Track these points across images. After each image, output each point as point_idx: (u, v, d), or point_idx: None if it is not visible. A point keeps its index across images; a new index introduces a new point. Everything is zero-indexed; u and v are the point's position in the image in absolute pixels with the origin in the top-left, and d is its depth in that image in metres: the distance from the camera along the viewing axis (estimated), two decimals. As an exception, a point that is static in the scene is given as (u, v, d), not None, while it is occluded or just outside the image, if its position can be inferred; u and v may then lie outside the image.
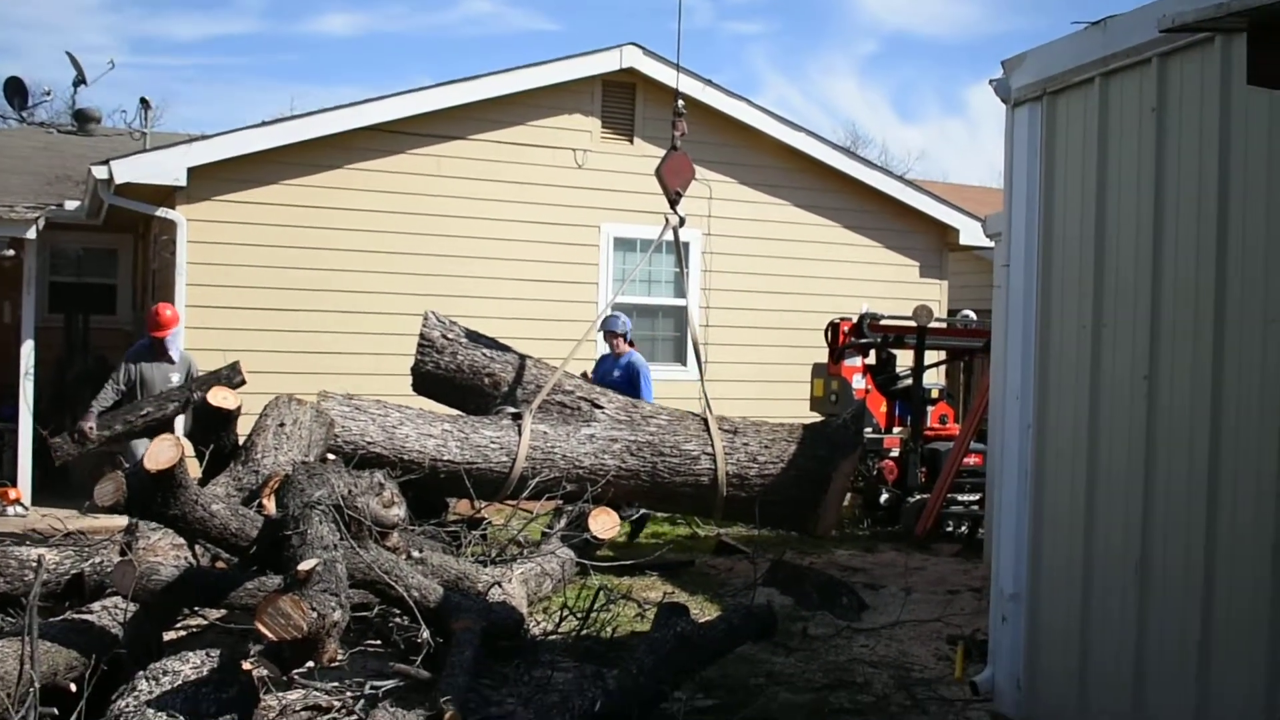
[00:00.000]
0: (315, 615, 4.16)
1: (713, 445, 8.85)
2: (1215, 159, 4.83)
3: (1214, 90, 4.83)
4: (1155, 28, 4.97)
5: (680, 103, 9.15)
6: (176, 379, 9.19)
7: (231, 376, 7.58)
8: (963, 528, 11.33)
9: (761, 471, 8.85)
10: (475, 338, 9.12)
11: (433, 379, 9.07)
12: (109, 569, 5.54)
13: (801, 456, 8.93)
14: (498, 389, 8.93)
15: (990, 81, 6.14)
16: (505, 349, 9.18)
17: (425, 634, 5.22)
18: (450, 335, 9.03)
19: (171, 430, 8.26)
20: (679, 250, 9.70)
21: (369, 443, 8.09)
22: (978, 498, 11.21)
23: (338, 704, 4.83)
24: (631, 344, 10.89)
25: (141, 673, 4.59)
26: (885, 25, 76.88)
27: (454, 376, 9.00)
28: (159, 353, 9.33)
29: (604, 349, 11.21)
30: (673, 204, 8.96)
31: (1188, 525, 4.88)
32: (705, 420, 9.06)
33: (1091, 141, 5.52)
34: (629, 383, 10.35)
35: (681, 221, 9.08)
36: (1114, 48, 5.34)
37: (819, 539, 9.78)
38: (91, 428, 7.97)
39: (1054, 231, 5.79)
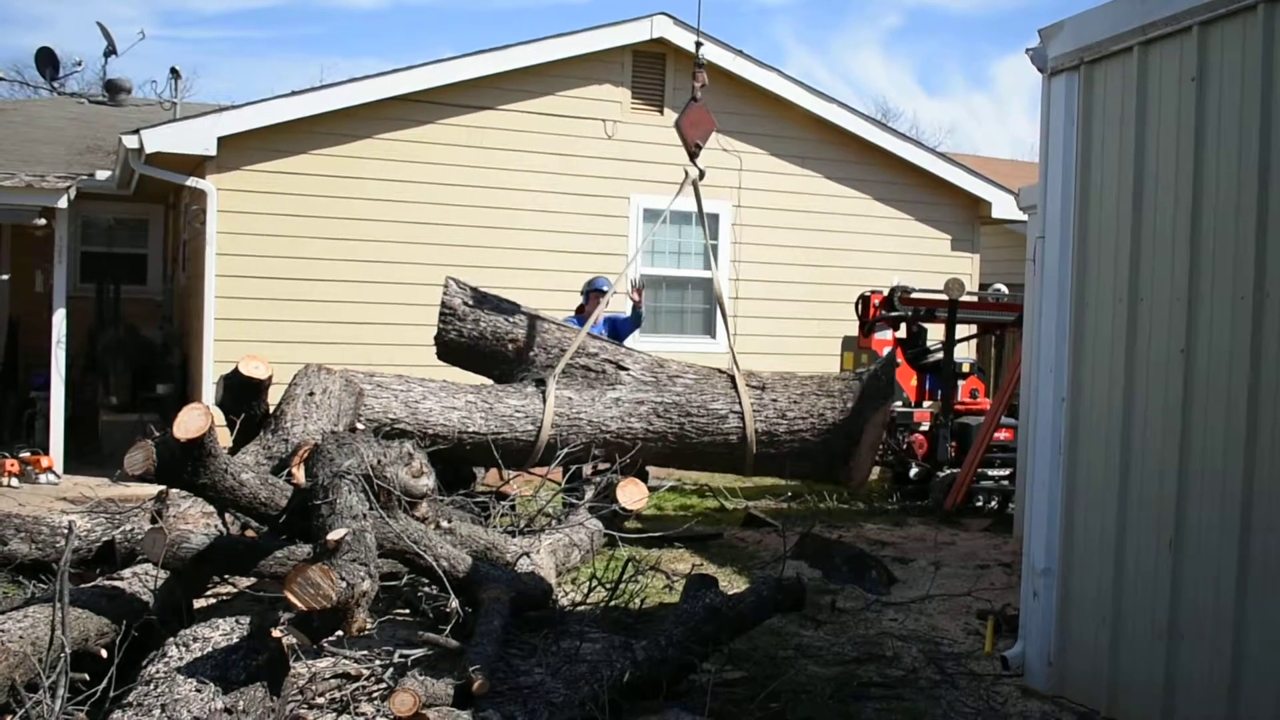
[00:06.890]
0: (344, 585, 4.16)
1: (740, 403, 8.71)
2: (1256, 129, 4.74)
3: (1255, 59, 4.74)
4: (1197, -6, 4.90)
5: (701, 52, 9.00)
6: None
7: None
8: (993, 502, 11.29)
9: (791, 428, 8.66)
10: (498, 304, 9.03)
11: (456, 347, 8.99)
12: (140, 536, 5.58)
13: (831, 410, 8.78)
14: (521, 354, 8.86)
15: (1026, 50, 6.06)
16: (528, 313, 9.09)
17: (454, 603, 5.23)
18: (471, 302, 8.96)
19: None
20: (699, 203, 9.50)
21: (393, 419, 8.02)
22: (1008, 473, 11.16)
23: (366, 672, 4.85)
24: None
25: (172, 639, 4.60)
26: (909, -3, 76.33)
27: (477, 344, 8.90)
28: None
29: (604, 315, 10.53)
30: (692, 157, 8.79)
31: (1223, 494, 4.84)
32: (732, 377, 8.89)
33: (1130, 112, 5.44)
34: (633, 323, 10.41)
35: (701, 174, 8.93)
36: (1153, 16, 5.25)
37: (853, 494, 9.65)
38: None
39: (1090, 203, 5.71)
